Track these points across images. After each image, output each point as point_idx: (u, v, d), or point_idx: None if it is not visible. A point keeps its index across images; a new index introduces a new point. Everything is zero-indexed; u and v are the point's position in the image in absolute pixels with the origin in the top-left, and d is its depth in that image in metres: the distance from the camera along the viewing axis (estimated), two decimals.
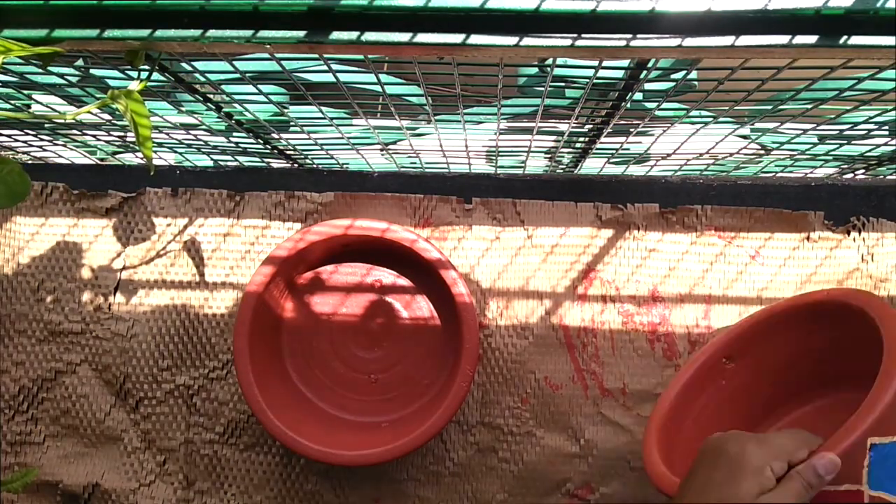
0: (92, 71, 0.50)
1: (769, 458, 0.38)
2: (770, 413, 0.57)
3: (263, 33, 0.34)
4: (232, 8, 0.33)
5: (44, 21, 0.34)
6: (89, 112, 0.38)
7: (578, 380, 0.62)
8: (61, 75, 0.48)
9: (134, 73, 0.41)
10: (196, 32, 0.34)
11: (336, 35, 0.34)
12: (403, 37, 0.33)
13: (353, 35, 0.34)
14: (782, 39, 0.33)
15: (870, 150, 0.61)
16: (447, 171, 0.65)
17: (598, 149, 0.64)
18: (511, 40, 0.33)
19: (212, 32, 0.34)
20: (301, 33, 0.34)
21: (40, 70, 0.47)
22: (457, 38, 0.33)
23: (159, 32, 0.34)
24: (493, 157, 0.71)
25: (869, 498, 0.39)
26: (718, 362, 0.57)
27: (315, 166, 0.74)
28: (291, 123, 0.59)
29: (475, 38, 0.33)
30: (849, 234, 0.60)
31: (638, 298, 0.61)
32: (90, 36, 0.34)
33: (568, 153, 0.69)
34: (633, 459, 0.61)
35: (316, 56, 0.43)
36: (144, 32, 0.34)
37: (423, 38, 0.33)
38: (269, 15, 0.33)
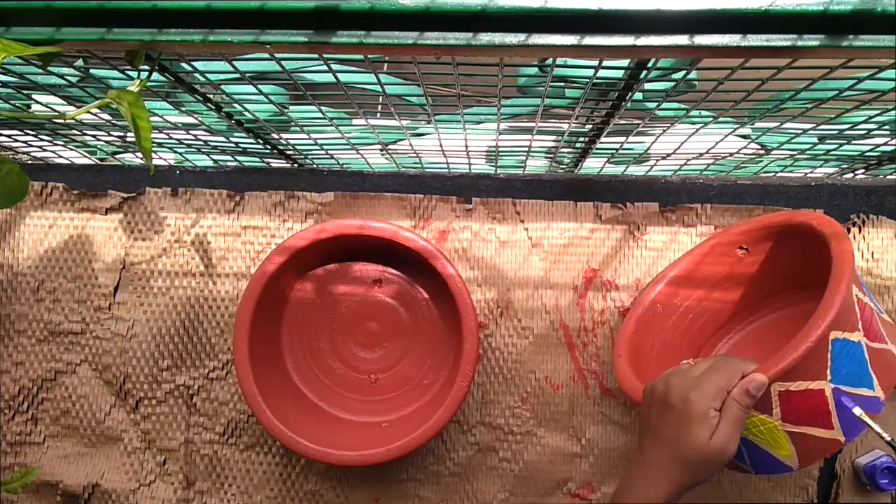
0: (92, 71, 0.49)
1: (709, 401, 0.41)
2: (726, 323, 0.60)
3: (267, 35, 0.34)
4: (235, 8, 0.33)
5: (44, 21, 0.34)
6: (89, 112, 0.38)
7: (579, 379, 0.62)
8: (61, 75, 0.48)
9: (134, 73, 0.41)
10: (198, 34, 0.34)
11: (341, 36, 0.34)
12: (409, 37, 0.33)
13: (357, 36, 0.34)
14: (783, 40, 0.33)
15: (870, 150, 0.61)
16: (447, 171, 0.65)
17: (598, 149, 0.64)
18: (514, 39, 0.33)
19: (214, 34, 0.34)
20: (305, 34, 0.34)
21: (40, 70, 0.47)
22: (461, 38, 0.33)
23: (161, 34, 0.34)
24: (493, 157, 0.71)
25: (830, 391, 0.43)
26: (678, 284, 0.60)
27: (315, 166, 0.74)
28: (291, 123, 0.59)
29: (480, 38, 0.33)
30: (848, 232, 0.60)
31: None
32: (91, 36, 0.34)
33: (568, 153, 0.69)
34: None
35: (316, 56, 0.43)
36: (146, 33, 0.34)
37: (427, 38, 0.33)
38: (273, 15, 0.33)
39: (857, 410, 0.43)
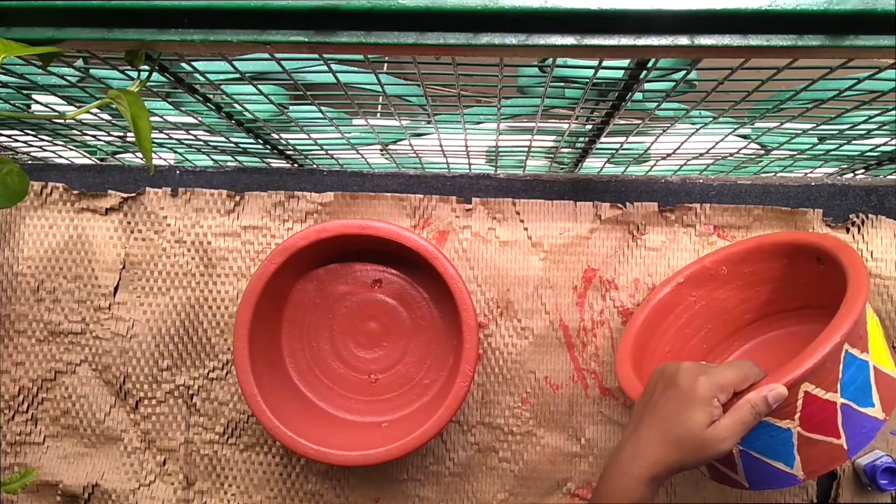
0: (92, 71, 0.49)
1: (716, 389, 0.41)
2: (729, 337, 0.60)
3: (267, 35, 0.34)
4: (235, 8, 0.33)
5: (44, 21, 0.34)
6: (89, 112, 0.38)
7: (579, 379, 0.62)
8: (61, 75, 0.48)
9: (134, 73, 0.41)
10: (198, 34, 0.34)
11: (341, 36, 0.34)
12: (409, 37, 0.33)
13: (357, 36, 0.34)
14: (783, 39, 0.33)
15: (870, 150, 0.61)
16: (447, 171, 0.65)
17: (598, 149, 0.64)
18: (514, 39, 0.33)
19: (214, 34, 0.34)
20: (305, 34, 0.34)
21: (40, 70, 0.47)
22: (461, 38, 0.33)
23: (161, 34, 0.34)
24: (493, 157, 0.71)
25: (840, 405, 0.42)
26: (684, 290, 0.59)
27: (315, 166, 0.74)
28: (291, 123, 0.59)
29: (480, 38, 0.33)
30: (847, 232, 0.60)
31: (637, 297, 0.61)
32: (91, 36, 0.34)
33: (568, 153, 0.69)
34: None
35: (316, 56, 0.43)
36: (146, 33, 0.34)
37: (428, 38, 0.33)
38: (273, 15, 0.33)
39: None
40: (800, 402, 0.42)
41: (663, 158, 0.68)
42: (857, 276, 0.45)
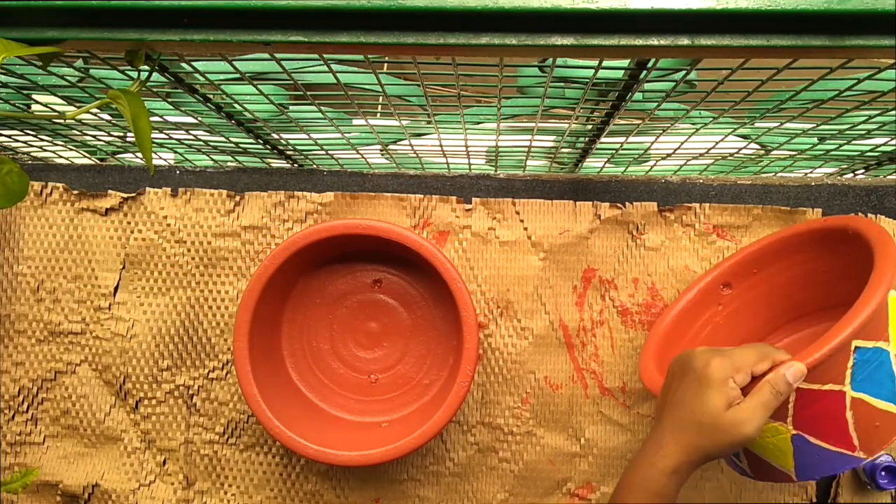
0: (92, 71, 0.49)
1: (731, 371, 0.40)
2: (765, 337, 0.59)
3: (267, 35, 0.34)
4: (235, 8, 0.33)
5: (44, 21, 0.34)
6: (89, 112, 0.38)
7: (578, 379, 0.62)
8: (61, 75, 0.48)
9: (134, 73, 0.41)
10: (198, 34, 0.34)
11: (341, 36, 0.34)
12: (409, 37, 0.33)
13: (357, 36, 0.34)
14: (783, 39, 0.33)
15: (870, 150, 0.61)
16: (447, 171, 0.65)
17: (598, 149, 0.64)
18: (514, 39, 0.33)
19: (214, 33, 0.34)
20: (305, 34, 0.34)
21: (40, 70, 0.47)
22: (461, 38, 0.33)
23: (161, 34, 0.34)
24: (493, 157, 0.71)
25: (850, 399, 0.41)
26: (717, 288, 0.59)
27: (315, 166, 0.74)
28: (291, 123, 0.59)
29: (480, 38, 0.33)
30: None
31: (637, 297, 0.61)
32: (91, 36, 0.34)
33: (568, 153, 0.69)
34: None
35: (316, 56, 0.43)
36: (146, 33, 0.34)
37: (428, 38, 0.33)
38: (273, 15, 0.33)
39: None
40: (791, 403, 0.42)
41: (663, 158, 0.68)
42: (881, 258, 0.43)
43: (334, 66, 0.45)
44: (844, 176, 0.71)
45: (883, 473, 0.57)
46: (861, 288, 0.43)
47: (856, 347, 0.42)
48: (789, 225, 0.61)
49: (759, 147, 0.65)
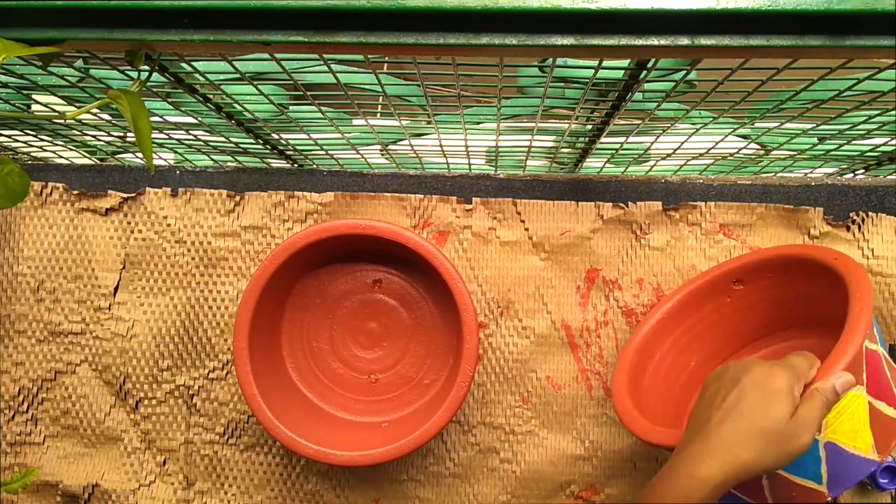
0: (92, 71, 0.49)
1: (793, 379, 0.39)
2: (742, 348, 0.60)
3: (267, 35, 0.34)
4: (235, 7, 0.33)
5: (44, 21, 0.34)
6: (89, 112, 0.38)
7: (582, 380, 0.62)
8: (61, 75, 0.48)
9: (134, 73, 0.41)
10: (198, 34, 0.34)
11: (341, 36, 0.34)
12: (409, 37, 0.33)
13: (357, 36, 0.34)
14: (783, 39, 0.33)
15: (870, 150, 0.61)
16: (447, 171, 0.65)
17: (598, 149, 0.64)
18: (514, 39, 0.33)
19: (214, 33, 0.34)
20: (305, 34, 0.34)
21: (40, 70, 0.47)
22: (461, 38, 0.33)
23: (161, 34, 0.34)
24: (493, 158, 0.71)
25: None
26: (726, 285, 0.59)
27: (315, 166, 0.74)
28: (291, 123, 0.59)
29: (480, 38, 0.33)
30: (848, 230, 0.60)
31: (642, 297, 0.61)
32: (91, 36, 0.34)
33: (568, 153, 0.69)
34: (638, 460, 0.61)
35: (316, 56, 0.43)
36: (146, 33, 0.34)
37: (428, 38, 0.33)
38: (273, 15, 0.33)
39: None
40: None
41: (663, 158, 0.68)
42: (858, 279, 0.45)
43: (334, 66, 0.45)
44: (844, 176, 0.71)
45: (884, 473, 0.57)
46: (830, 302, 0.45)
47: (866, 349, 0.42)
48: (792, 223, 0.61)
49: (759, 147, 0.65)
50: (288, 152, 0.70)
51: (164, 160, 0.73)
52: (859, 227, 0.60)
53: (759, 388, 0.39)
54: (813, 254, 0.52)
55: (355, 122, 0.65)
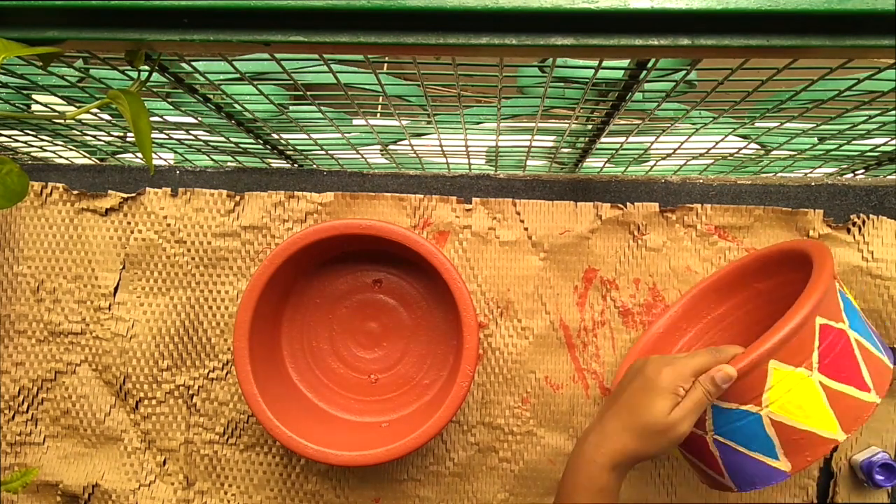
0: (92, 71, 0.50)
1: (679, 379, 0.43)
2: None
3: (267, 35, 0.34)
4: (235, 7, 0.33)
5: (44, 21, 0.34)
6: (89, 112, 0.38)
7: (579, 379, 0.62)
8: (61, 75, 0.48)
9: (134, 73, 0.41)
10: (198, 34, 0.34)
11: (341, 36, 0.34)
12: (409, 37, 0.33)
13: (357, 36, 0.34)
14: (783, 39, 0.33)
15: (870, 150, 0.61)
16: (447, 171, 0.65)
17: (598, 149, 0.64)
18: (514, 39, 0.33)
19: (214, 33, 0.34)
20: (305, 34, 0.34)
21: (40, 70, 0.47)
22: (461, 38, 0.33)
23: (161, 34, 0.34)
24: (493, 157, 0.71)
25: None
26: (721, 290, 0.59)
27: (315, 166, 0.74)
28: (291, 123, 0.59)
29: (480, 38, 0.33)
30: (848, 232, 0.60)
31: (638, 297, 0.61)
32: (91, 36, 0.34)
33: (568, 153, 0.69)
34: None
35: (316, 56, 0.43)
36: (146, 33, 0.34)
37: (428, 38, 0.33)
38: (273, 15, 0.33)
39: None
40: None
41: (663, 158, 0.69)
42: (821, 256, 0.46)
43: (334, 66, 0.45)
44: (844, 176, 0.71)
45: (880, 471, 0.57)
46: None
47: (820, 325, 0.43)
48: (790, 226, 0.61)
49: (759, 147, 0.65)
50: (288, 152, 0.70)
51: (164, 160, 0.73)
52: (859, 230, 0.60)
53: (645, 384, 0.44)
54: (794, 246, 0.53)
55: (355, 122, 0.65)
